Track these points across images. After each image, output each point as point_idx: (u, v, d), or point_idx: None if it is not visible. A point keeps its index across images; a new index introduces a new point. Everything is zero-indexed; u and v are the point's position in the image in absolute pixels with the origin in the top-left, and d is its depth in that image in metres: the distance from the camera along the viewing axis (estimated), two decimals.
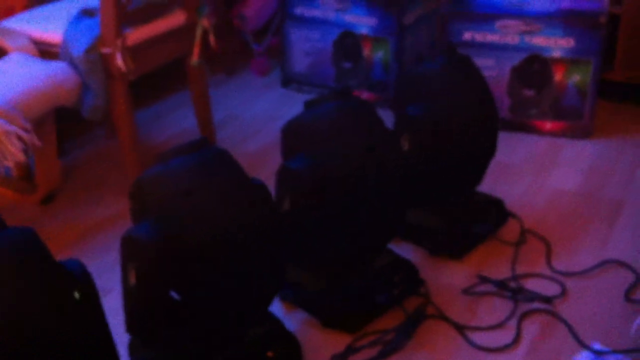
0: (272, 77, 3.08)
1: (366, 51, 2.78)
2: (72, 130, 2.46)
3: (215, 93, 2.68)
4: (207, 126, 2.51)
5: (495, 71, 2.58)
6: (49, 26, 2.19)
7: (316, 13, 2.84)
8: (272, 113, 2.81)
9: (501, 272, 1.90)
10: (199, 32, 2.35)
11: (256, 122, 2.74)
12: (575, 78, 2.53)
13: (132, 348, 1.57)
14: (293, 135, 1.81)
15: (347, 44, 2.81)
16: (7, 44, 2.11)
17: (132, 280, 1.42)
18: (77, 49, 2.06)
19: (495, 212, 2.09)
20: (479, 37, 2.59)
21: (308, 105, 1.85)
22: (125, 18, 2.11)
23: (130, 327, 1.46)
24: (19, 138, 1.79)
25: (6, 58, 2.06)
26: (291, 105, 2.79)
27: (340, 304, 1.77)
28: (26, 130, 1.81)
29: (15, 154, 1.77)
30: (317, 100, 1.87)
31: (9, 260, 1.24)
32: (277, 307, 1.77)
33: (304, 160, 1.73)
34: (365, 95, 2.79)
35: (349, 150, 1.73)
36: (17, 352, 1.22)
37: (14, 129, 1.78)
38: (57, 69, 2.01)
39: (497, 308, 1.79)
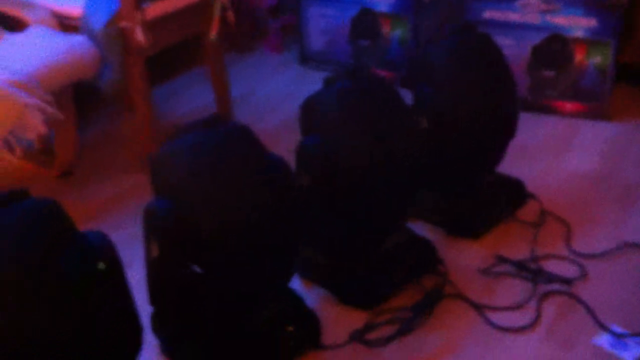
0: (288, 54, 3.06)
1: (384, 29, 2.76)
2: (88, 105, 2.45)
3: (231, 70, 2.66)
4: (225, 103, 2.50)
5: (515, 50, 2.56)
6: (67, 4, 2.18)
7: None
8: (289, 90, 2.79)
9: (520, 252, 1.89)
10: (217, 8, 2.33)
11: (273, 99, 2.73)
12: (596, 59, 2.50)
13: (155, 320, 1.57)
14: (312, 112, 1.80)
15: (365, 21, 2.78)
16: (27, 16, 2.11)
17: (155, 252, 1.42)
18: (97, 23, 2.05)
19: (514, 193, 2.08)
20: (499, 15, 2.57)
21: (327, 82, 1.84)
22: None
23: (153, 298, 1.47)
24: (41, 110, 1.79)
25: (26, 31, 2.05)
26: (308, 82, 2.77)
27: (356, 280, 1.77)
28: (47, 103, 1.81)
29: (37, 126, 1.77)
30: (336, 77, 1.85)
31: (33, 230, 1.24)
32: (296, 284, 1.78)
33: (321, 139, 1.72)
34: (381, 73, 2.77)
35: (366, 128, 1.72)
36: (41, 320, 1.22)
37: (36, 101, 1.78)
38: (77, 43, 2.01)
39: (515, 289, 1.79)
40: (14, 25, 2.14)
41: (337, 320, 1.70)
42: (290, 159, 1.67)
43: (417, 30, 2.70)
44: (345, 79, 1.83)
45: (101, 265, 1.29)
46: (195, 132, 1.48)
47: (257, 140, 1.56)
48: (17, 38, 2.03)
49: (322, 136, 1.73)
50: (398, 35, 2.74)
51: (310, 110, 1.80)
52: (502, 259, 1.87)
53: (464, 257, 1.89)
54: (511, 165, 2.17)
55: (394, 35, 2.75)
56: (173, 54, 2.54)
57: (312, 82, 2.74)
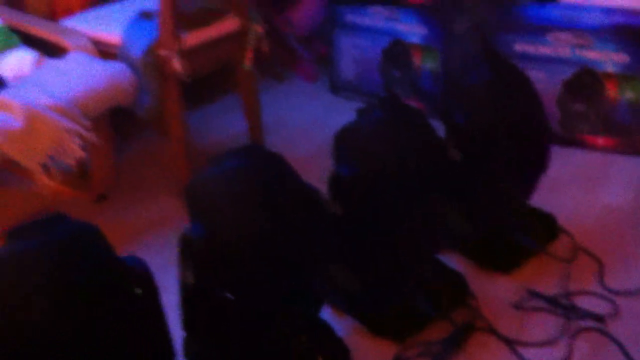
0: (319, 83, 3.09)
1: (416, 60, 2.78)
2: (124, 129, 2.49)
3: (263, 97, 2.70)
4: (256, 130, 2.53)
5: (546, 84, 2.56)
6: (107, 27, 2.23)
7: (366, 21, 2.84)
8: (320, 119, 2.82)
9: (551, 287, 1.88)
10: (251, 37, 2.37)
11: (304, 127, 2.76)
12: (628, 94, 2.49)
13: (186, 345, 1.58)
14: (345, 142, 1.82)
15: (397, 52, 2.81)
16: (67, 42, 2.16)
17: (189, 278, 1.44)
18: (136, 51, 2.09)
19: (546, 227, 2.07)
20: (529, 48, 2.58)
21: (360, 113, 1.86)
22: (182, 22, 2.14)
23: (186, 324, 1.48)
24: (79, 135, 1.83)
25: (67, 57, 2.10)
26: (339, 111, 2.79)
27: (387, 311, 1.77)
28: (86, 129, 1.85)
29: (75, 151, 1.80)
30: (369, 108, 1.87)
31: (74, 253, 1.26)
32: (327, 313, 1.78)
33: (353, 168, 1.74)
34: (412, 104, 2.78)
35: (398, 160, 1.74)
36: (79, 342, 1.24)
37: (75, 126, 1.82)
38: (115, 70, 2.05)
39: (547, 324, 1.77)
40: (54, 50, 2.19)
41: (367, 351, 1.69)
42: (322, 187, 1.68)
43: (448, 61, 2.72)
44: (379, 110, 1.85)
45: (138, 290, 1.31)
46: (231, 160, 1.51)
47: (291, 168, 1.58)
48: (58, 64, 2.08)
49: (355, 166, 1.74)
50: (429, 66, 2.76)
51: (344, 140, 1.82)
52: (533, 294, 1.86)
53: (495, 291, 1.88)
54: (543, 199, 2.17)
55: (425, 66, 2.77)
56: (207, 80, 2.58)
57: (343, 111, 2.77)
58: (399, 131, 1.81)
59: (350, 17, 2.87)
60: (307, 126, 2.77)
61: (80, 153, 1.84)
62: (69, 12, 2.51)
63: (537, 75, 2.51)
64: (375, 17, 2.82)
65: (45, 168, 1.81)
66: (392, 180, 1.70)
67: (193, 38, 2.19)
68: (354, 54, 2.92)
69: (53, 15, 2.57)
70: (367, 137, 1.78)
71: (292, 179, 1.55)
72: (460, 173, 1.88)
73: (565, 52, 2.53)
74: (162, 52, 2.10)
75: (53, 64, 2.09)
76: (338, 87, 3.00)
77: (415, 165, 1.76)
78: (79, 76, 2.00)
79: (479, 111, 1.95)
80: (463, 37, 2.75)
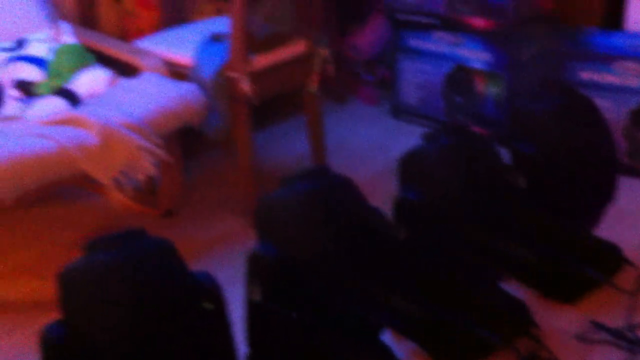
0: (380, 106, 3.12)
1: (479, 86, 2.78)
2: (193, 147, 2.55)
3: (326, 119, 2.73)
4: (320, 152, 2.56)
5: (612, 113, 2.53)
6: (179, 49, 2.30)
7: (429, 46, 2.86)
8: (381, 142, 2.84)
9: (616, 320, 1.85)
10: (317, 61, 2.41)
11: (366, 150, 2.78)
12: None
13: None
14: (411, 167, 1.84)
15: (460, 77, 2.82)
16: (140, 63, 2.23)
17: (256, 296, 1.47)
18: (206, 72, 2.15)
19: (611, 258, 2.04)
20: (596, 77, 2.55)
21: (426, 138, 1.88)
22: (252, 45, 2.20)
23: (251, 340, 1.51)
24: (151, 153, 1.88)
25: (140, 77, 2.17)
26: (401, 135, 2.82)
27: (449, 338, 1.76)
28: (157, 146, 1.90)
29: (147, 168, 1.86)
30: (435, 133, 1.89)
31: (150, 267, 1.30)
32: (387, 336, 1.78)
33: (420, 194, 1.75)
34: (476, 130, 2.78)
35: (464, 186, 1.74)
36: (152, 354, 1.28)
37: (147, 144, 1.88)
38: (187, 90, 2.11)
39: (611, 357, 1.74)
40: (127, 70, 2.26)
41: None
42: (384, 209, 1.69)
43: (514, 88, 2.71)
44: (444, 135, 1.86)
45: (208, 305, 1.34)
46: (302, 182, 1.54)
47: (358, 192, 1.60)
48: (131, 83, 2.16)
49: (422, 191, 1.75)
50: (493, 92, 2.76)
51: (410, 164, 1.83)
52: (598, 326, 1.83)
53: (558, 322, 1.86)
54: (608, 229, 2.14)
55: (489, 92, 2.77)
56: (273, 102, 2.63)
57: (405, 135, 2.80)
58: (464, 157, 1.81)
59: (414, 42, 2.89)
60: (369, 149, 2.79)
61: (151, 170, 1.89)
62: (140, 33, 2.61)
63: (603, 104, 2.48)
64: (439, 43, 2.83)
65: (118, 184, 1.87)
66: (457, 207, 1.71)
67: (262, 61, 2.25)
68: (417, 78, 2.93)
69: (124, 36, 2.66)
70: (433, 162, 1.79)
71: (360, 202, 1.57)
72: (525, 201, 1.88)
73: (631, 81, 2.50)
74: (232, 75, 2.15)
75: (126, 83, 2.17)
76: (399, 111, 3.02)
77: (480, 192, 1.76)
78: (151, 95, 2.06)
79: (546, 139, 1.94)
80: (529, 65, 2.74)
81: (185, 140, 2.31)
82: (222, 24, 2.29)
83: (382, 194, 1.85)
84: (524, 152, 1.93)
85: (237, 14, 2.11)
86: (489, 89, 2.77)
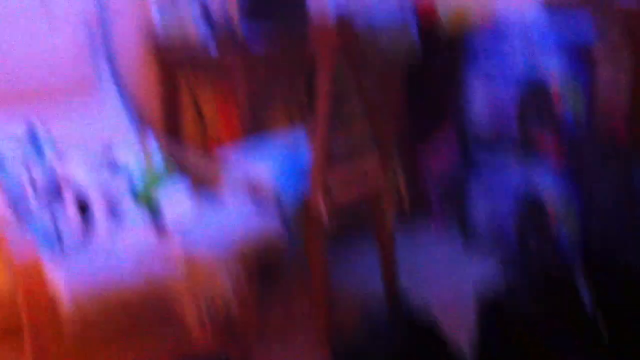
0: (451, 231, 3.08)
1: (552, 220, 2.73)
2: (268, 284, 2.53)
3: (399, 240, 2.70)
4: (390, 273, 2.48)
5: None
6: (259, 163, 2.30)
7: (502, 180, 2.83)
8: (452, 268, 2.80)
9: None
10: (391, 179, 2.40)
11: (436, 274, 2.73)
12: None
13: None
14: (487, 311, 1.78)
15: (533, 214, 2.76)
16: (222, 177, 2.23)
17: None
18: (286, 199, 2.16)
19: None
20: None
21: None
22: (330, 167, 2.21)
23: None
24: (234, 289, 1.86)
25: (224, 200, 2.17)
26: (472, 265, 2.77)
27: None
28: (239, 278, 1.88)
29: (227, 300, 1.83)
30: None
31: None
32: None
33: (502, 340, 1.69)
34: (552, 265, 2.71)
35: (548, 332, 1.68)
36: None
37: (231, 280, 1.84)
38: (271, 227, 2.09)
39: None
40: (208, 181, 2.27)
41: None
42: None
43: (590, 227, 2.65)
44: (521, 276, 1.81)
45: None
46: (385, 330, 1.50)
47: (445, 338, 1.55)
48: (216, 209, 2.15)
49: (503, 338, 1.69)
50: (566, 228, 2.70)
51: (486, 308, 1.78)
52: None
53: None
54: None
55: (562, 227, 2.71)
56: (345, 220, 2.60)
57: (475, 262, 2.74)
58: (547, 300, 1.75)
59: (485, 176, 2.87)
60: (439, 274, 2.74)
61: (233, 306, 1.87)
62: (220, 141, 2.66)
63: None
64: (512, 175, 2.80)
65: (200, 318, 1.86)
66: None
67: (341, 197, 2.24)
68: (486, 207, 2.90)
69: (205, 145, 2.73)
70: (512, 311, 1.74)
71: (446, 349, 1.52)
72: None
73: None
74: (313, 212, 2.16)
75: (212, 209, 2.15)
76: (471, 238, 2.97)
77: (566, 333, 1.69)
78: (238, 227, 2.06)
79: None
80: (607, 203, 2.68)
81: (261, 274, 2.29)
82: (298, 136, 2.32)
83: (454, 320, 1.78)
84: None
85: (318, 143, 2.12)
86: (561, 224, 2.70)
